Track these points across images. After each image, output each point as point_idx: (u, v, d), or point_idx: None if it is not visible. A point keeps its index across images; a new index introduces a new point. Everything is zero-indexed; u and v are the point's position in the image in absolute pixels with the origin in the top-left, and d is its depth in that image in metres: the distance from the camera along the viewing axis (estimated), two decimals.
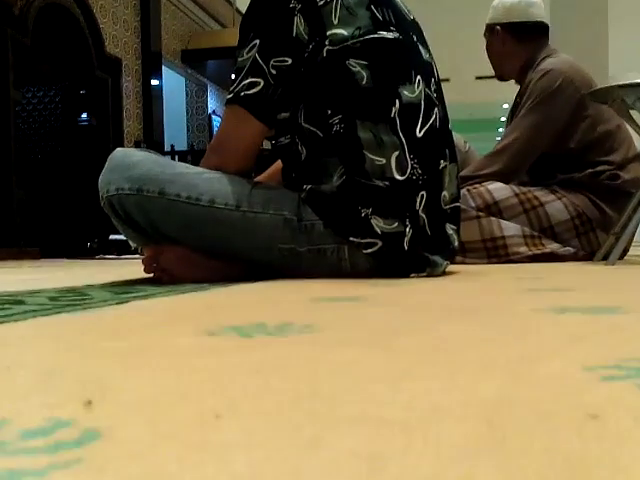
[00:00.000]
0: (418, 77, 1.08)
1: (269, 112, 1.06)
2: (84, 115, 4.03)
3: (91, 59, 3.92)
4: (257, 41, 1.04)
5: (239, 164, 1.08)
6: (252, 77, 1.03)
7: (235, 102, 1.05)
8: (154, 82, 4.61)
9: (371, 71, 1.03)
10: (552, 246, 1.74)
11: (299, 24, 1.04)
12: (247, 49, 1.04)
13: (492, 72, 2.01)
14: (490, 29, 1.93)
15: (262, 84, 1.03)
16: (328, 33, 1.03)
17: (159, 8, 4.75)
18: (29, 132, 4.09)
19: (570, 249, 1.75)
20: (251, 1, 1.07)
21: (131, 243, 1.13)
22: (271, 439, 0.22)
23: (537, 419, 0.23)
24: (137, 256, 1.12)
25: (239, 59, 1.06)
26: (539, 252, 1.72)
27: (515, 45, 1.89)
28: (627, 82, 1.46)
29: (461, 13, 7.73)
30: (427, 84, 1.10)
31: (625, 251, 1.70)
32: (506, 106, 8.01)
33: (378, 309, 0.65)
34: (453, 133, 1.20)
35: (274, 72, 1.03)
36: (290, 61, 1.04)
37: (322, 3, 1.04)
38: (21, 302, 0.71)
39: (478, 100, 9.00)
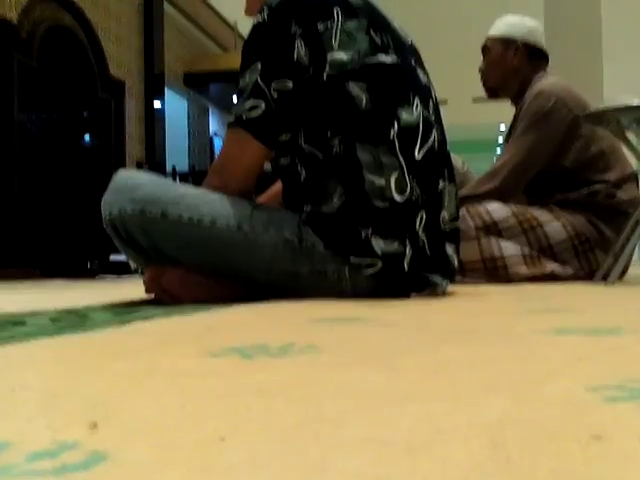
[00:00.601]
0: (416, 100, 1.10)
1: (271, 134, 1.07)
2: (87, 137, 4.06)
3: (94, 81, 3.97)
4: (259, 64, 1.05)
5: (241, 185, 1.09)
6: (254, 100, 1.05)
7: (237, 125, 1.06)
8: (156, 104, 4.66)
9: (370, 94, 1.05)
10: (552, 266, 1.74)
11: (300, 48, 1.06)
12: (249, 72, 1.06)
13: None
14: (506, 43, 1.93)
15: (264, 107, 1.05)
16: (328, 57, 1.05)
17: (162, 31, 4.83)
18: (32, 153, 4.12)
19: (570, 269, 1.76)
20: (253, 26, 1.10)
21: (131, 264, 1.13)
22: (276, 462, 0.22)
23: (541, 440, 0.23)
24: (137, 276, 1.12)
25: (241, 82, 1.07)
26: (539, 272, 1.72)
27: (526, 65, 1.93)
28: (623, 104, 1.48)
29: (458, 36, 7.86)
30: (425, 107, 1.12)
31: (624, 271, 1.70)
32: (503, 127, 8.09)
33: (379, 329, 0.65)
34: (451, 154, 1.21)
35: (275, 95, 1.05)
36: (291, 84, 1.06)
37: (322, 29, 1.07)
38: (22, 323, 0.71)
39: (475, 122, 9.10)
